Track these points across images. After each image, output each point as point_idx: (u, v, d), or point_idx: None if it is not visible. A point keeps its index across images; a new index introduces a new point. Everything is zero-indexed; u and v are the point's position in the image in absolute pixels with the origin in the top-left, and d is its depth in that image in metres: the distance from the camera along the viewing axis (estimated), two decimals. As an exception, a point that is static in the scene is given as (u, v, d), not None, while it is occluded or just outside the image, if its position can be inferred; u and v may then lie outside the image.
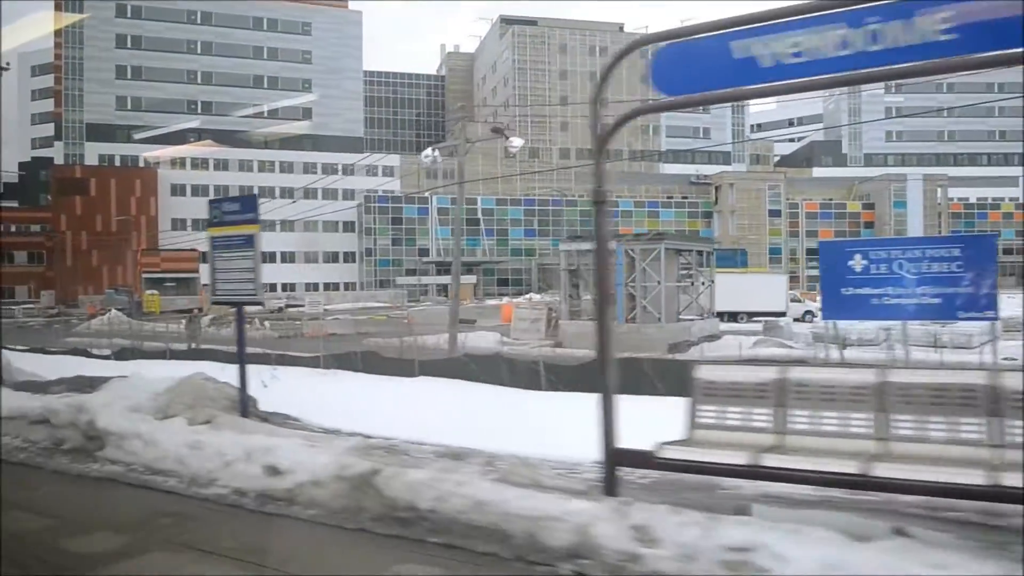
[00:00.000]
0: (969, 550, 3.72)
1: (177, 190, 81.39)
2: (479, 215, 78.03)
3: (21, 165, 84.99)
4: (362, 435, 7.28)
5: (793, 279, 50.98)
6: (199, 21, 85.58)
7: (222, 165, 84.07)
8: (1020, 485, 3.77)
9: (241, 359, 7.59)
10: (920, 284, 9.40)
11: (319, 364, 19.72)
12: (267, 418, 7.90)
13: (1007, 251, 73.59)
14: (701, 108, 74.32)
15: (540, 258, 79.31)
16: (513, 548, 4.22)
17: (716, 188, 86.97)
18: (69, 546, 4.84)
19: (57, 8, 78.02)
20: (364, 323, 38.39)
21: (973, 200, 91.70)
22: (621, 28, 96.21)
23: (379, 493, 4.84)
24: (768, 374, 4.75)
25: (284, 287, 72.75)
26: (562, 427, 9.53)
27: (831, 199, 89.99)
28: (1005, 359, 16.70)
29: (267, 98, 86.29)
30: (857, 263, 10.08)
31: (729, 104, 78.72)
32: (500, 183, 75.85)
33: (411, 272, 77.79)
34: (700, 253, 32.32)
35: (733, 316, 37.40)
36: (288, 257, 79.01)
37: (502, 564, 4.16)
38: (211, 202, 7.56)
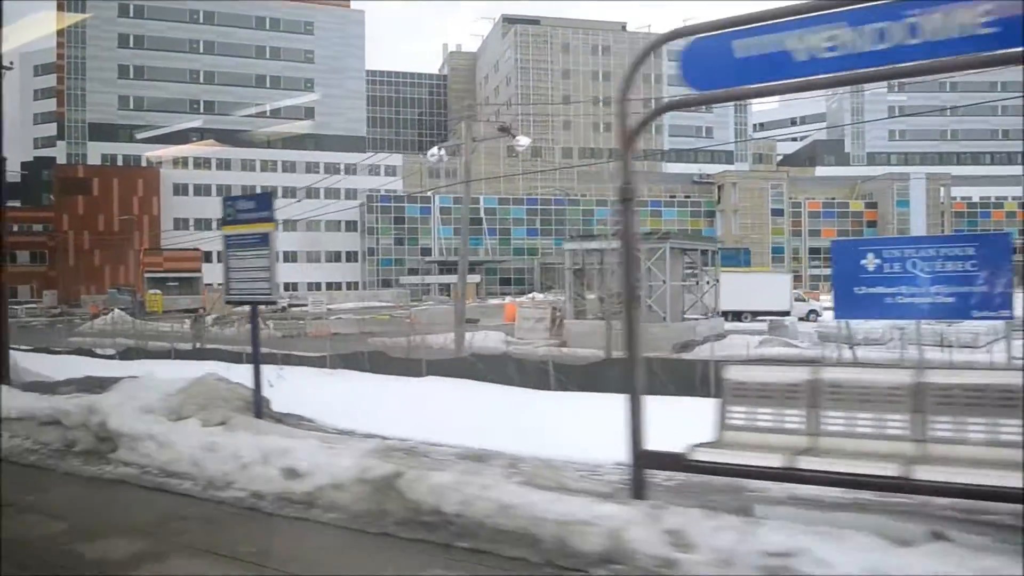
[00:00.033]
0: (1009, 554, 3.64)
1: (179, 190, 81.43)
2: (481, 214, 77.98)
3: (23, 165, 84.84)
4: (379, 437, 7.19)
5: (796, 278, 50.85)
6: (201, 20, 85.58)
7: (224, 165, 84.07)
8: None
9: (256, 359, 7.49)
10: (934, 283, 9.35)
11: (325, 364, 19.63)
12: (281, 419, 7.81)
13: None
14: (704, 107, 74.34)
15: (542, 257, 79.27)
16: (543, 553, 4.13)
17: (719, 187, 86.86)
18: (85, 551, 4.74)
19: (59, 8, 78.05)
20: (368, 323, 38.29)
21: (976, 199, 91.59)
22: (624, 27, 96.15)
23: (402, 496, 4.74)
24: (800, 375, 4.66)
25: (287, 287, 72.71)
26: (576, 428, 9.45)
27: (834, 198, 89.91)
28: (1015, 359, 16.59)
29: (269, 97, 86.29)
30: (870, 262, 10.03)
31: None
32: (502, 182, 75.79)
33: (413, 271, 77.73)
34: (704, 252, 32.24)
35: (737, 315, 37.29)
36: (290, 257, 78.95)
37: (532, 569, 4.07)
38: (225, 200, 7.45)
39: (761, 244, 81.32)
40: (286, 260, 77.83)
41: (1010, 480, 3.84)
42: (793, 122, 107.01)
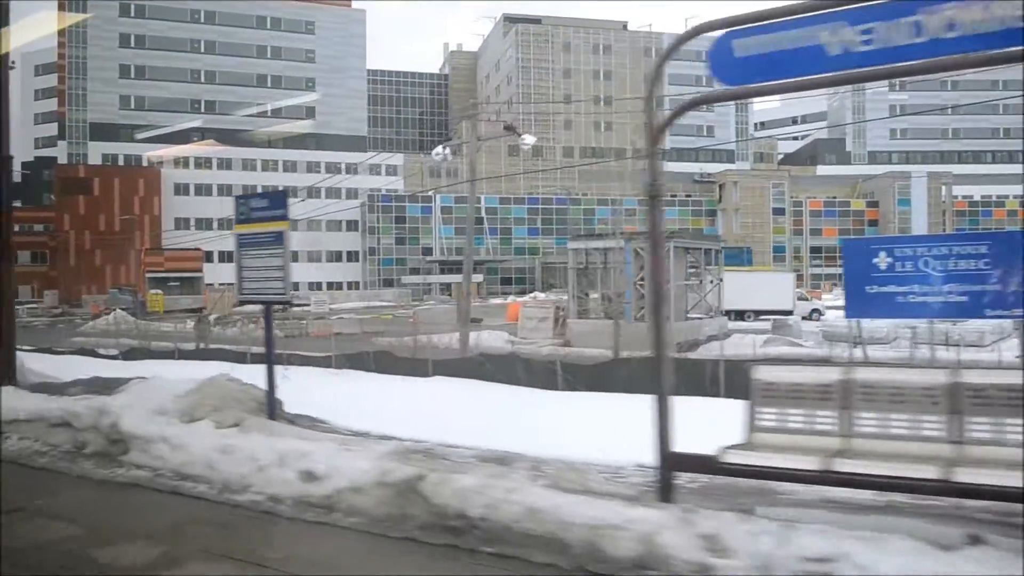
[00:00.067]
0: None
1: (180, 189, 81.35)
2: (483, 213, 77.90)
3: (24, 165, 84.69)
4: (396, 438, 7.09)
5: (797, 278, 50.76)
6: (203, 20, 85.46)
7: (226, 164, 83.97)
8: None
9: (269, 359, 7.38)
10: (946, 282, 9.29)
11: (331, 364, 19.55)
12: (294, 420, 7.70)
13: (1012, 249, 73.22)
14: (704, 107, 74.11)
15: (544, 257, 79.20)
16: (573, 558, 4.03)
17: (720, 186, 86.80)
18: (100, 556, 4.62)
19: (60, 8, 77.85)
20: (370, 322, 38.20)
21: (977, 198, 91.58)
22: (625, 26, 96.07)
23: (426, 500, 4.64)
24: (831, 375, 4.57)
25: (287, 286, 72.46)
26: (590, 428, 9.37)
27: (835, 197, 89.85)
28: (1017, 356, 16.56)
29: (271, 97, 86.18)
30: (882, 260, 9.96)
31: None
32: (503, 182, 75.70)
33: (415, 271, 77.66)
34: (708, 252, 32.17)
35: (740, 314, 37.22)
36: (292, 256, 78.69)
37: (563, 575, 3.97)
38: (238, 198, 7.34)
39: (762, 243, 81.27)
40: (288, 260, 77.65)
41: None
42: (794, 121, 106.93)
